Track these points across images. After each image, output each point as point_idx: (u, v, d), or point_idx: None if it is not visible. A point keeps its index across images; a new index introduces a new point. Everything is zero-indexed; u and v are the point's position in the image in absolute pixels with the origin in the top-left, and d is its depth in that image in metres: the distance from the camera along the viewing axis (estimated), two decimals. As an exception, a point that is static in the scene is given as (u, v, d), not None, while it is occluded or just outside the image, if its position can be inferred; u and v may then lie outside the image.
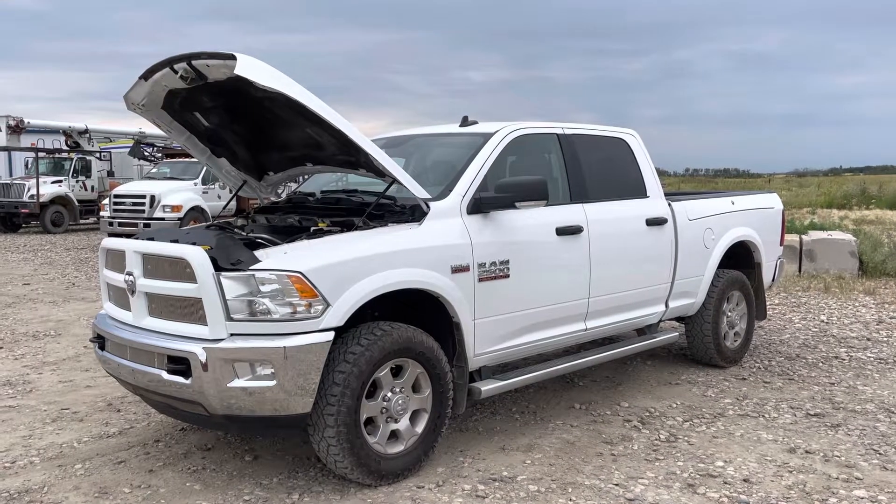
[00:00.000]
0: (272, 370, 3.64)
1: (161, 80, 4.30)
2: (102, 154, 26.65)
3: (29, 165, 25.98)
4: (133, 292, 4.06)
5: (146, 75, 4.32)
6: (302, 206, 4.90)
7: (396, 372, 4.08)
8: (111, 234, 18.27)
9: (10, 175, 27.80)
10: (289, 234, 4.41)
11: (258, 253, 3.83)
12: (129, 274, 4.07)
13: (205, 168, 19.18)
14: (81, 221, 24.56)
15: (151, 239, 4.25)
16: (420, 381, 4.17)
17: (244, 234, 4.59)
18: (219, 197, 19.26)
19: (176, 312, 3.90)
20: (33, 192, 22.92)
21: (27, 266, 14.78)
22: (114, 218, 17.83)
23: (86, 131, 26.09)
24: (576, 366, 5.11)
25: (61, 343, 7.85)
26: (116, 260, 4.29)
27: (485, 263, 4.43)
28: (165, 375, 3.80)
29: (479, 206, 4.50)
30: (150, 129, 27.49)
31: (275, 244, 4.20)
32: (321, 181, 5.69)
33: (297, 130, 4.54)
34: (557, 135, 5.27)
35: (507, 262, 4.56)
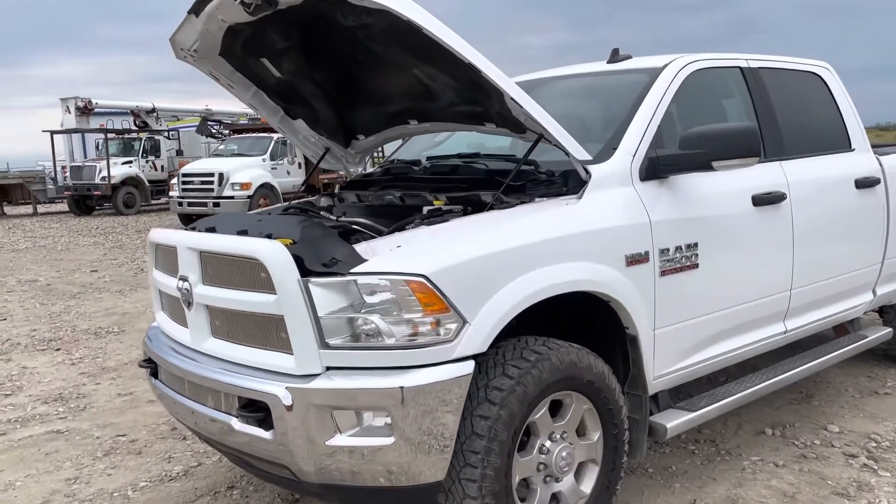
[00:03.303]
0: (388, 421, 2.48)
1: (217, 13, 3.14)
2: (171, 133, 26.29)
3: (99, 147, 25.78)
4: (189, 304, 2.95)
5: (197, 8, 3.17)
6: (404, 177, 3.70)
7: (554, 409, 2.87)
8: (181, 215, 17.67)
9: (84, 157, 27.67)
10: (392, 218, 3.22)
11: (360, 248, 2.65)
12: (184, 279, 2.95)
13: (273, 143, 18.37)
14: (153, 202, 24.30)
15: (212, 230, 3.12)
16: (586, 420, 2.95)
17: (333, 218, 3.42)
18: (288, 173, 18.44)
19: (249, 334, 2.76)
20: (104, 173, 22.63)
21: (97, 251, 14.18)
22: (182, 198, 17.18)
23: (153, 110, 25.76)
24: (779, 382, 3.79)
25: (124, 342, 6.94)
26: (168, 258, 3.17)
27: (668, 249, 3.16)
28: (236, 424, 2.68)
29: (656, 168, 3.22)
30: (217, 106, 27.15)
31: (377, 233, 3.02)
32: (421, 145, 4.47)
33: (400, 74, 3.33)
34: (742, 69, 3.90)
35: (696, 245, 3.27)
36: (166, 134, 25.84)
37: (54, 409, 5.06)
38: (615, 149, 3.21)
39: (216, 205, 16.51)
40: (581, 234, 2.88)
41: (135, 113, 25.85)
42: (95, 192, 22.88)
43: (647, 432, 3.20)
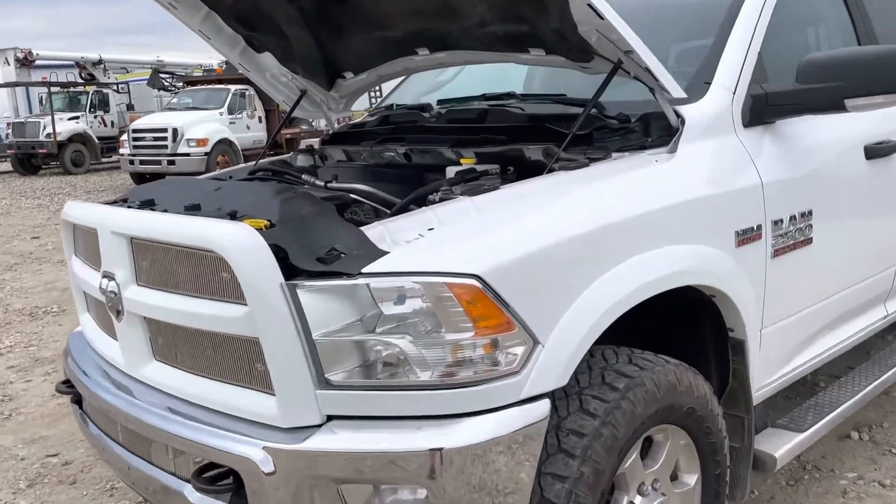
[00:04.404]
0: (423, 497, 1.63)
1: None
2: (120, 86, 24.76)
3: (43, 102, 24.14)
4: (119, 313, 2.04)
5: None
6: (411, 128, 2.79)
7: (643, 449, 2.05)
8: (133, 174, 16.45)
9: (29, 113, 26.01)
10: (403, 184, 2.35)
11: (372, 232, 1.76)
12: (109, 277, 2.03)
13: (230, 95, 17.10)
14: (104, 160, 22.90)
15: (150, 204, 2.19)
16: (680, 459, 2.14)
17: (321, 184, 2.52)
18: (248, 128, 17.22)
19: (208, 362, 1.87)
20: (49, 130, 21.12)
21: (40, 214, 12.98)
22: (134, 155, 15.94)
23: (100, 62, 24.27)
24: (890, 379, 3.02)
25: (63, 324, 5.98)
26: (89, 244, 2.25)
27: (781, 221, 2.33)
28: (191, 496, 1.80)
29: (762, 110, 2.36)
30: (169, 57, 25.61)
31: (386, 206, 2.15)
32: (418, 87, 3.53)
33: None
34: (841, -17, 3.03)
35: (810, 214, 2.45)
36: (115, 87, 24.32)
37: (-30, 420, 4.13)
38: (708, 83, 2.33)
39: (171, 162, 15.33)
40: (681, 204, 2.02)
41: (80, 65, 24.31)
42: (41, 151, 21.41)
43: (752, 464, 2.40)
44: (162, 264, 1.90)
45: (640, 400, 1.89)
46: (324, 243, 1.71)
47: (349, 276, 1.63)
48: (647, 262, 1.88)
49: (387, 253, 1.66)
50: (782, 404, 2.79)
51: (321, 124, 18.74)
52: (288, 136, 17.58)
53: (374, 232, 1.74)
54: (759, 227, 2.24)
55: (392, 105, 3.13)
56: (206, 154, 15.57)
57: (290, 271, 1.67)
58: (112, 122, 23.18)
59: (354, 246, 1.70)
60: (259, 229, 1.73)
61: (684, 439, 2.11)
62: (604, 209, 1.86)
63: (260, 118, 17.61)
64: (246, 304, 1.68)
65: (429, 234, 1.72)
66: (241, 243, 1.66)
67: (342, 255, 1.68)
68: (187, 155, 15.52)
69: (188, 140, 15.65)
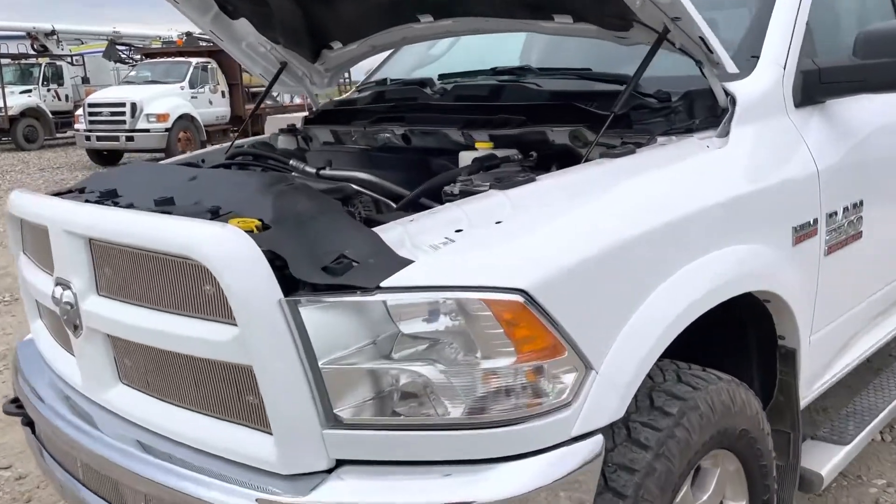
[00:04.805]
0: (460, 560, 1.34)
1: None
2: (74, 58, 23.84)
3: (-8, 74, 23.13)
4: (76, 328, 1.70)
5: None
6: (411, 106, 2.46)
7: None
8: (90, 151, 15.79)
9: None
10: (409, 172, 2.04)
11: (388, 234, 1.45)
12: (63, 285, 1.69)
13: (192, 68, 16.45)
14: (58, 135, 22.03)
15: (111, 196, 1.83)
16: (728, 486, 1.89)
17: (312, 171, 2.20)
18: (210, 102, 16.59)
19: (187, 391, 1.55)
20: (0, 104, 20.20)
21: (-9, 194, 12.35)
22: (90, 131, 15.23)
23: (53, 32, 23.26)
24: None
25: (17, 315, 5.57)
26: (39, 242, 1.89)
27: (835, 214, 2.07)
28: (168, 557, 1.49)
29: (813, 88, 2.09)
30: (127, 28, 24.70)
31: (393, 199, 1.85)
32: (409, 61, 3.20)
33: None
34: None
35: (860, 205, 2.20)
36: (69, 59, 23.39)
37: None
38: (756, 57, 2.05)
39: (129, 139, 14.70)
40: (740, 198, 1.75)
41: (32, 36, 23.27)
42: (-9, 126, 20.50)
43: (798, 484, 2.16)
44: (128, 272, 1.57)
45: (696, 426, 1.63)
46: (331, 249, 1.40)
47: (365, 290, 1.33)
48: (709, 267, 1.61)
49: (409, 261, 1.35)
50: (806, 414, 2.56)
51: (286, 98, 18.17)
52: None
53: (392, 234, 1.43)
54: (816, 221, 1.98)
55: (386, 80, 2.79)
56: (166, 130, 14.95)
57: (290, 284, 1.36)
58: (66, 96, 22.31)
59: (368, 252, 1.39)
60: (249, 231, 1.42)
61: (734, 464, 1.86)
62: (662, 205, 1.57)
63: (223, 93, 17.00)
64: (235, 325, 1.36)
65: (458, 238, 1.42)
66: (228, 250, 1.34)
67: (354, 264, 1.37)
68: (147, 131, 14.90)
69: (148, 115, 15.01)
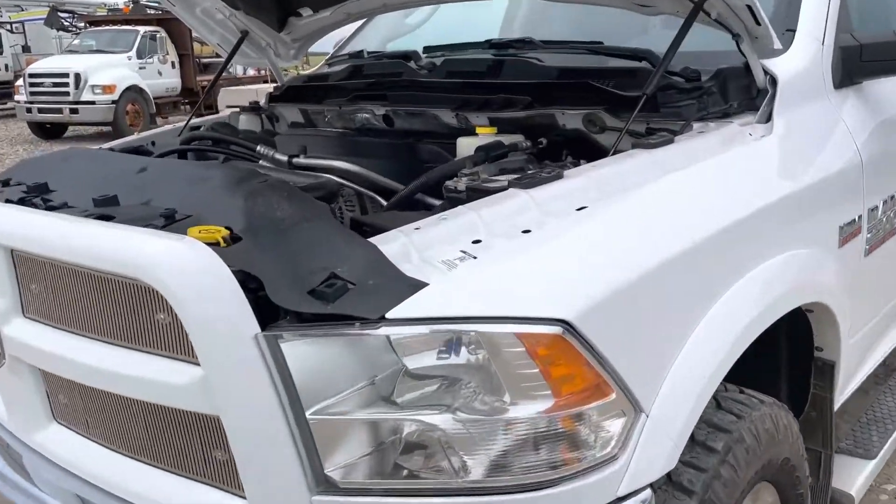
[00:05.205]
0: None
1: None
2: (14, 26, 22.73)
3: (-75, 42, 21.95)
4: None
5: None
6: (396, 83, 2.15)
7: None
8: (31, 123, 15.01)
9: None
10: (395, 161, 1.76)
11: (388, 245, 1.16)
12: (-21, 304, 1.37)
13: (140, 37, 15.71)
14: (-2, 107, 21.02)
15: (41, 191, 1.50)
16: (764, 517, 1.67)
17: (283, 158, 1.89)
18: (159, 73, 15.88)
19: (138, 436, 1.26)
20: (-67, 73, 19.20)
21: (-77, 170, 11.60)
22: (31, 103, 14.44)
23: (-10, -2, 22.09)
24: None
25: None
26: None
27: (876, 208, 1.85)
28: None
29: (853, 67, 1.85)
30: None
31: (384, 196, 1.57)
32: (381, 32, 2.89)
33: None
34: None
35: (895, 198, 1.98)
36: (9, 27, 22.30)
37: None
38: (792, 30, 1.81)
39: (73, 111, 13.98)
40: (791, 195, 1.50)
41: (-34, 1, 22.11)
42: (-76, 97, 19.46)
43: (828, 508, 1.96)
44: (61, 290, 1.26)
45: (742, 462, 1.39)
46: (319, 266, 1.11)
47: (366, 322, 1.05)
48: (765, 280, 1.36)
49: (421, 284, 1.07)
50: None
51: (239, 70, 17.48)
52: (205, 83, 16.34)
53: (394, 247, 1.15)
54: (860, 218, 1.75)
55: (362, 52, 2.47)
56: (113, 102, 14.26)
57: (267, 312, 1.08)
58: (6, 66, 21.28)
59: (367, 270, 1.10)
60: (215, 244, 1.12)
61: (772, 496, 1.64)
62: (712, 209, 1.32)
63: (173, 63, 16.28)
64: (198, 365, 1.07)
65: (478, 251, 1.14)
66: (187, 270, 1.05)
67: (349, 286, 1.09)
68: (92, 103, 14.18)
69: (93, 86, 14.29)
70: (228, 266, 1.06)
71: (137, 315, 1.15)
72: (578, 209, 1.23)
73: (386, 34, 2.92)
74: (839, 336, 1.72)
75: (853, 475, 2.04)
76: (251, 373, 1.05)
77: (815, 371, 1.81)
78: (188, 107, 16.43)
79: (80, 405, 1.32)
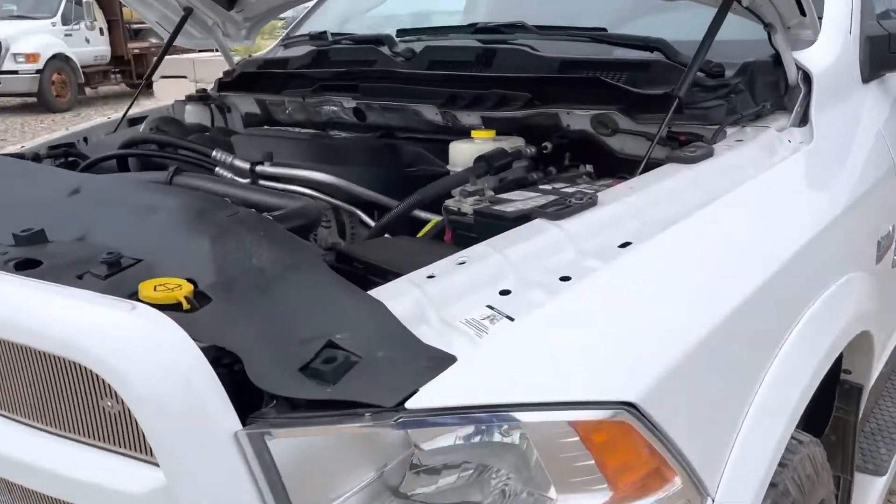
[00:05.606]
0: None
1: None
2: (-76, -13, 21.17)
3: None
4: None
5: None
6: (369, 73, 1.88)
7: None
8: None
9: None
10: (381, 167, 1.52)
11: (396, 302, 0.93)
12: None
13: (65, 2, 14.78)
14: None
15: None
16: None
17: (245, 167, 1.62)
18: (87, 41, 15.03)
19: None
20: None
21: None
22: (-53, 74, 13.50)
23: None
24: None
25: None
26: None
27: (904, 215, 1.70)
28: None
29: (885, 58, 1.68)
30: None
31: (371, 216, 1.33)
32: (339, 10, 2.61)
33: None
34: None
35: (916, 202, 1.83)
36: (-82, -11, 20.76)
37: None
38: (820, 18, 1.62)
39: (-7, 83, 13.15)
40: (842, 215, 1.32)
41: None
42: None
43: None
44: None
45: (789, 522, 1.22)
46: (312, 332, 0.87)
47: (378, 411, 0.82)
48: (820, 318, 1.17)
49: (449, 359, 0.84)
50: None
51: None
52: (136, 51, 15.55)
53: (405, 303, 0.91)
54: (894, 228, 1.59)
55: (325, 33, 2.18)
56: (37, 72, 13.45)
57: (246, 397, 0.84)
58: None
59: (374, 338, 0.87)
60: (175, 306, 0.87)
61: (805, 539, 1.48)
62: (768, 240, 1.12)
63: (101, 30, 15.41)
64: (158, 465, 0.83)
65: (510, 308, 0.91)
66: (140, 352, 0.80)
67: (353, 360, 0.85)
68: (15, 73, 13.34)
69: (15, 55, 13.43)
70: (196, 341, 0.82)
71: (75, 397, 0.89)
72: (621, 245, 1.02)
73: (346, 10, 2.65)
74: (872, 360, 1.56)
75: (864, 493, 1.92)
76: (230, 479, 0.81)
77: (839, 393, 1.65)
78: (119, 76, 15.67)
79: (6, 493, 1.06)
